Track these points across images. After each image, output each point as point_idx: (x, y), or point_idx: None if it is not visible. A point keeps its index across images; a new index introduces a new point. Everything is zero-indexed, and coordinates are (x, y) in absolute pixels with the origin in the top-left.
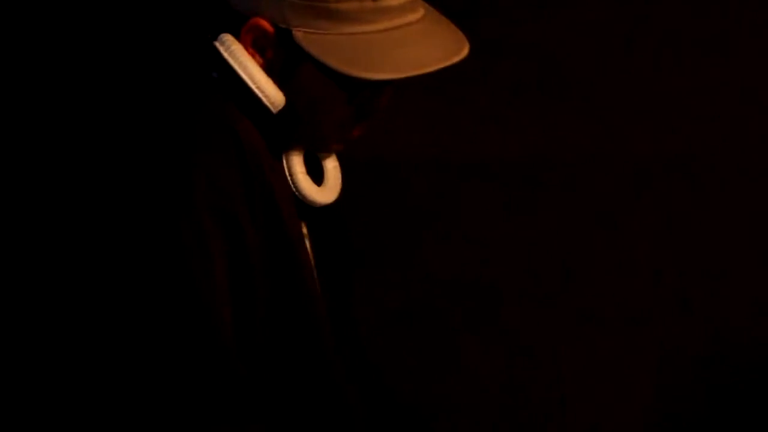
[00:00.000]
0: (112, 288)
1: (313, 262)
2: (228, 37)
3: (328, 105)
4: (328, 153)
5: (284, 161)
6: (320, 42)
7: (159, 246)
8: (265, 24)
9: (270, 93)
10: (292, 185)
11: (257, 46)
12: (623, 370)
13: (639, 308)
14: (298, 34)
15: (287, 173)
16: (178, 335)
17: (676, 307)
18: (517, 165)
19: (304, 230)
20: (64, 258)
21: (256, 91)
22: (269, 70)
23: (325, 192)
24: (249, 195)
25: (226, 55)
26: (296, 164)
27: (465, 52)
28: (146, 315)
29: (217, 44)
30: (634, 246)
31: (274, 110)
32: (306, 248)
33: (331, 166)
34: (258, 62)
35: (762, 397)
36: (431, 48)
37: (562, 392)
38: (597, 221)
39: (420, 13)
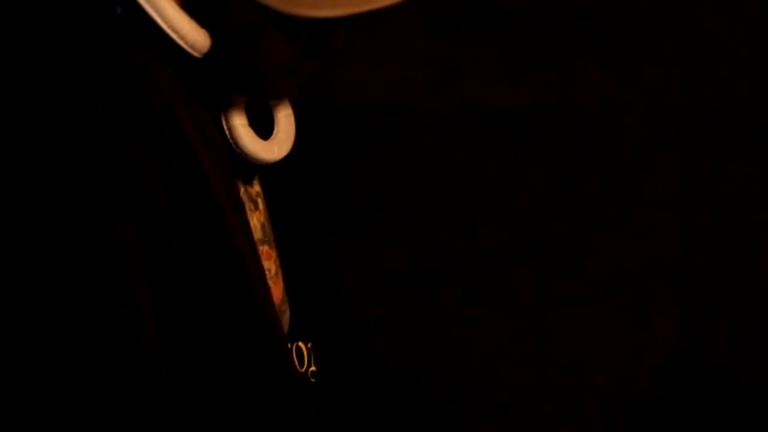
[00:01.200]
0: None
1: (266, 233)
2: None
3: (265, 47)
4: (277, 100)
5: (222, 113)
6: None
7: (51, 255)
8: None
9: (186, 33)
10: (230, 140)
11: None
12: (640, 337)
13: (659, 270)
14: None
15: (225, 126)
16: (93, 361)
17: (700, 267)
18: (528, 115)
19: (256, 189)
20: None
21: (168, 30)
22: (190, 2)
23: (273, 147)
24: (163, 165)
25: None
26: (235, 115)
27: None
28: (51, 343)
29: None
30: (656, 204)
31: (196, 54)
32: (245, 220)
33: (283, 115)
34: None
35: None
36: None
37: (573, 362)
38: (616, 177)
39: None
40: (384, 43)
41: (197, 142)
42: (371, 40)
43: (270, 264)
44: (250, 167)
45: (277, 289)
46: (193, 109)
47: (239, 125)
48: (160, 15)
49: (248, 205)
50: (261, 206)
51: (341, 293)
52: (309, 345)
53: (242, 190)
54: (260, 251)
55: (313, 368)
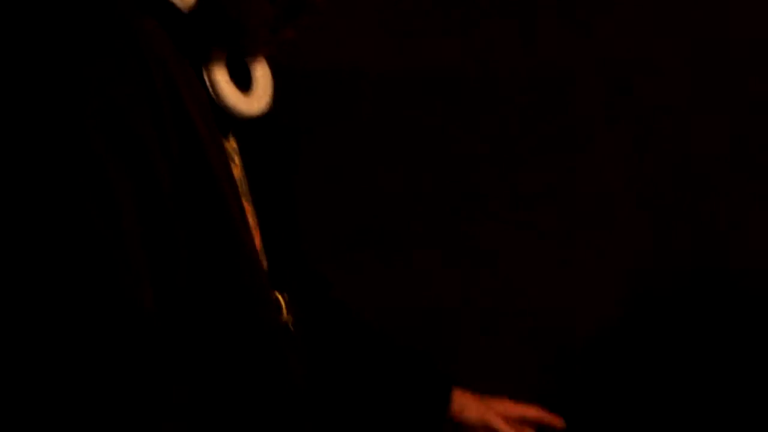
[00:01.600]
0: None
1: (242, 187)
2: None
3: (248, 2)
4: (256, 57)
5: (203, 68)
6: None
7: (46, 197)
8: None
9: None
10: (213, 94)
11: None
12: (594, 274)
13: (610, 223)
14: None
15: (207, 81)
16: (83, 305)
17: (649, 222)
18: (478, 76)
19: (233, 145)
20: None
21: None
22: None
23: (253, 101)
24: (156, 114)
25: None
26: (217, 71)
27: None
28: (42, 283)
29: None
30: (607, 160)
31: (184, 8)
32: (230, 172)
33: (260, 73)
34: None
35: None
36: None
37: (529, 303)
38: (567, 136)
39: None
40: (343, 7)
41: (187, 96)
42: (330, 3)
43: (247, 217)
44: (227, 123)
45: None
46: (182, 65)
47: (221, 80)
48: None
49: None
50: (237, 161)
51: (308, 248)
52: (285, 296)
53: None
54: None
55: (290, 318)
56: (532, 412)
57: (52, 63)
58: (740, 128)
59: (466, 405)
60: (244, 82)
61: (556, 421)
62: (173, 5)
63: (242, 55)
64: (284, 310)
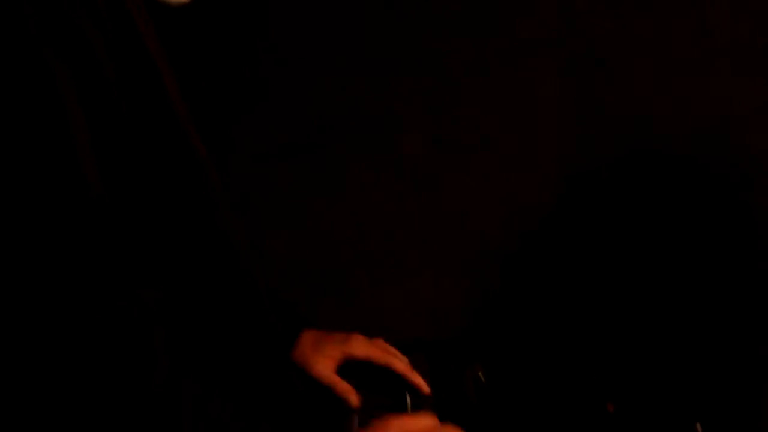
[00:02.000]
0: None
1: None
2: None
3: None
4: None
5: None
6: None
7: None
8: None
9: None
10: None
11: None
12: (524, 178)
13: (540, 113)
14: None
15: None
16: (33, 205)
17: (572, 107)
18: None
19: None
20: None
21: None
22: None
23: None
24: (94, 11)
25: None
26: None
27: None
28: None
29: None
30: (537, 47)
31: None
32: (168, 63)
33: None
34: None
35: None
36: None
37: (462, 213)
38: (489, 30)
39: None
40: None
41: None
42: None
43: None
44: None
45: None
46: None
47: None
48: None
49: None
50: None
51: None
52: None
53: None
54: None
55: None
56: (382, 358)
57: None
58: (663, 17)
59: (305, 362)
60: None
61: (419, 383)
62: None
63: None
64: None
